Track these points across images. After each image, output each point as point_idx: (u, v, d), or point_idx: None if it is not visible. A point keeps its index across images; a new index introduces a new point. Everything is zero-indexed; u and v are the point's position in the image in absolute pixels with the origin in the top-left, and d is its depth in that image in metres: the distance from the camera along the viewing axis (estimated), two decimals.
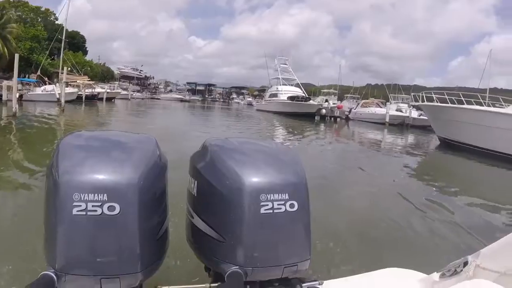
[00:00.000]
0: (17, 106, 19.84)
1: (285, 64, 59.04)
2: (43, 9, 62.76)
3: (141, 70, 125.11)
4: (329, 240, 4.16)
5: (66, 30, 46.83)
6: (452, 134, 17.40)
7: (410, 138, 25.19)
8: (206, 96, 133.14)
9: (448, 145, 17.59)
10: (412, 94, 25.21)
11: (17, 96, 21.12)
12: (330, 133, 26.96)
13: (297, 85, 55.31)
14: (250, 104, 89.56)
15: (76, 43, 70.07)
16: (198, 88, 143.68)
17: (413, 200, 6.97)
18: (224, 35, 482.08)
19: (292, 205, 1.32)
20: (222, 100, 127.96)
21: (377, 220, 5.67)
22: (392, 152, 17.55)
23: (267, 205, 1.29)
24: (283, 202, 1.31)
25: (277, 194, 1.31)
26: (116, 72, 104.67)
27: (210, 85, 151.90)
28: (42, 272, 1.14)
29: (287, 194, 1.32)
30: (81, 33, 77.11)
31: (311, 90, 71.42)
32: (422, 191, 8.25)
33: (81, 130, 1.48)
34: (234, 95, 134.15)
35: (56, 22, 58.44)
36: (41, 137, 13.97)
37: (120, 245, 1.17)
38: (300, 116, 38.07)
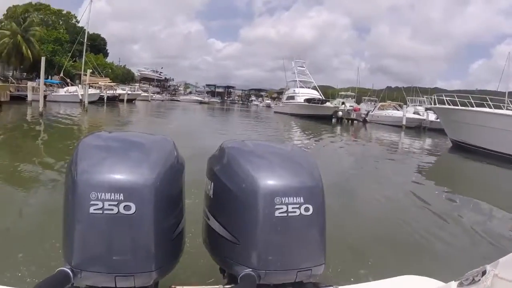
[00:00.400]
0: (43, 106, 20.64)
1: (302, 67, 59.20)
2: (64, 12, 64.16)
3: (161, 72, 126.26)
4: (345, 244, 4.16)
5: (88, 32, 47.67)
6: (463, 137, 17.40)
7: (426, 141, 25.09)
8: (225, 98, 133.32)
9: (460, 148, 17.57)
10: (425, 97, 24.80)
11: None
12: (346, 135, 27.09)
13: (314, 88, 55.40)
14: (268, 106, 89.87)
15: (97, 45, 71.26)
16: (217, 90, 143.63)
17: (430, 205, 6.95)
18: (243, 37, 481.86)
19: (307, 209, 1.31)
20: (241, 102, 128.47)
21: (393, 225, 5.66)
22: (408, 155, 17.64)
23: (282, 208, 1.28)
24: (298, 206, 1.30)
25: (292, 198, 1.30)
26: (136, 74, 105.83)
27: (229, 87, 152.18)
28: (59, 268, 1.16)
29: (302, 198, 1.31)
30: (101, 35, 78.43)
31: (330, 93, 71.12)
32: (439, 196, 8.23)
33: (101, 130, 1.51)
34: (253, 97, 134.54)
35: (78, 24, 59.66)
36: (67, 135, 14.54)
37: (135, 244, 1.19)
38: (317, 118, 38.22)
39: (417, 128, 34.38)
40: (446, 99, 18.31)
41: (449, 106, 18.11)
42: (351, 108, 45.46)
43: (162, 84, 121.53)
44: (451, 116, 18.11)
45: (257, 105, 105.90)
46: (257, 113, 59.73)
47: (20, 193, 5.95)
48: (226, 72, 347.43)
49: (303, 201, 1.31)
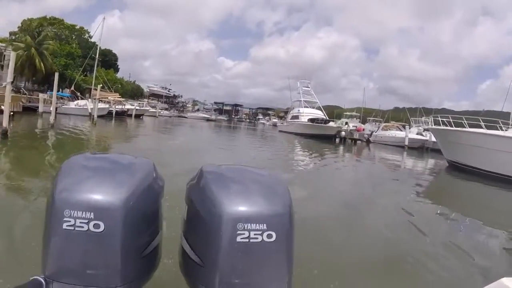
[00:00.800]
0: (54, 118, 21.48)
1: (307, 87, 60.06)
2: (77, 27, 65.79)
3: (169, 89, 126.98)
4: (327, 269, 4.19)
5: (99, 48, 48.84)
6: (458, 157, 17.87)
7: (428, 162, 25.27)
8: (233, 116, 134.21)
9: (456, 168, 17.97)
10: (423, 118, 24.79)
11: None
12: (349, 155, 27.46)
13: (319, 108, 56.08)
14: (275, 125, 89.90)
15: (108, 60, 72.63)
16: (225, 108, 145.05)
17: (421, 228, 6.94)
18: (253, 56, 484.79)
19: (269, 236, 1.34)
20: (248, 120, 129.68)
21: (384, 246, 5.68)
22: (407, 174, 17.93)
23: (244, 234, 1.32)
24: (260, 232, 1.33)
25: (254, 224, 1.34)
26: (145, 90, 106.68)
27: (237, 105, 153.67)
28: (33, 276, 1.27)
29: (265, 225, 1.34)
30: (113, 51, 79.98)
31: (336, 113, 71.44)
32: (431, 216, 8.40)
33: (86, 151, 1.58)
34: (260, 116, 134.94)
35: (90, 40, 61.12)
36: (76, 146, 15.19)
37: (104, 260, 1.27)
38: (320, 137, 38.80)
39: (420, 149, 34.79)
40: (441, 120, 18.88)
41: (444, 127, 18.65)
42: (354, 128, 46.18)
43: (171, 101, 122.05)
44: (447, 137, 18.64)
45: (263, 123, 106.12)
46: (263, 131, 59.99)
47: (19, 201, 6.09)
48: (235, 90, 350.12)
49: (266, 228, 1.34)
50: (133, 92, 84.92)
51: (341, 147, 33.90)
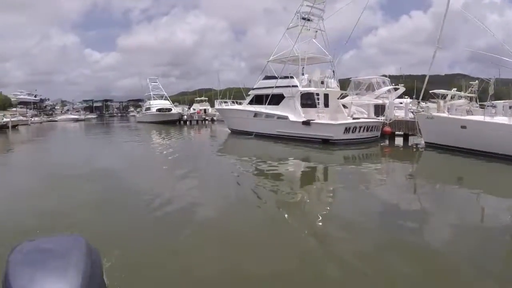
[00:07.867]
0: None
1: (155, 82, 66.69)
2: None
3: (36, 95, 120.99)
4: None
5: None
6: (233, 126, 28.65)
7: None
8: (104, 112, 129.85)
9: (233, 132, 28.25)
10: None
11: None
12: (187, 132, 36.86)
13: (166, 98, 63.56)
14: None
15: None
16: (95, 104, 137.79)
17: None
18: (121, 46, 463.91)
19: None
20: (120, 114, 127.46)
21: None
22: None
23: None
24: None
25: None
26: (13, 99, 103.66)
27: (106, 100, 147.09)
28: None
29: None
30: None
31: (210, 95, 77.09)
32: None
33: (23, 242, 1.85)
34: (132, 108, 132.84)
35: None
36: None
37: None
38: (167, 123, 48.43)
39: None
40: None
41: (221, 107, 29.83)
42: (194, 111, 56.31)
43: (39, 106, 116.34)
44: (224, 113, 29.69)
45: (134, 115, 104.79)
46: (130, 125, 59.97)
47: None
48: (106, 84, 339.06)
49: None
50: (2, 103, 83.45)
51: (185, 128, 43.19)
